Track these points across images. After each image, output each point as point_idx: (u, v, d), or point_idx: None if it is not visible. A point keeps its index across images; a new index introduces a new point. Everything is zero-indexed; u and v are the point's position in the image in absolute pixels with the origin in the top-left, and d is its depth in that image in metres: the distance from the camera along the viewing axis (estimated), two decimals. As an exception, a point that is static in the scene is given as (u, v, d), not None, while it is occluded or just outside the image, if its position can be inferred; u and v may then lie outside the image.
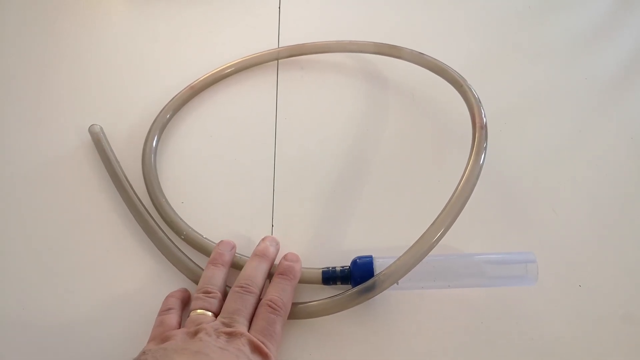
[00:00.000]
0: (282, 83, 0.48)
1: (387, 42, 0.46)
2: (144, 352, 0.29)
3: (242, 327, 0.31)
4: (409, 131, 0.44)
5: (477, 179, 0.34)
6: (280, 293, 0.33)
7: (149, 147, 0.42)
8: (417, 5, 0.53)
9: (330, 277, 0.35)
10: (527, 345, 0.34)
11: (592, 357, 0.33)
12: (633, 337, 0.34)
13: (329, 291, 0.36)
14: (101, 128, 0.43)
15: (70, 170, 0.43)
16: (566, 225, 0.39)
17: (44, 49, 0.50)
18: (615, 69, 0.48)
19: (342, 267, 0.35)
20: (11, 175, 0.43)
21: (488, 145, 0.36)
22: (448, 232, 0.32)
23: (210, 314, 0.32)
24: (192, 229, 0.39)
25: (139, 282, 0.37)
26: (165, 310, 0.34)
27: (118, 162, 0.42)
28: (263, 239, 0.37)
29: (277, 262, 0.36)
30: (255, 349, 0.30)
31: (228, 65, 0.48)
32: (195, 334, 0.30)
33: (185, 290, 0.36)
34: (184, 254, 0.38)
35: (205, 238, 0.38)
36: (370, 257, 0.35)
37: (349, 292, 0.33)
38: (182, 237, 0.38)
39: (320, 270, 0.36)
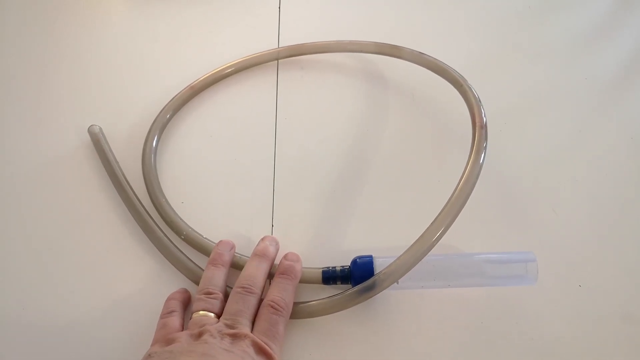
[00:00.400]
0: (282, 83, 0.48)
1: (387, 42, 0.46)
2: (149, 355, 0.29)
3: (245, 328, 0.31)
4: (409, 131, 0.44)
5: (477, 178, 0.34)
6: (282, 293, 0.33)
7: (148, 147, 0.42)
8: (417, 5, 0.53)
9: (330, 277, 0.35)
10: (527, 345, 0.34)
11: (592, 357, 0.33)
12: (633, 337, 0.34)
13: (329, 291, 0.36)
14: (100, 128, 0.43)
15: (70, 171, 0.43)
16: (566, 225, 0.39)
17: (44, 49, 0.50)
18: (615, 69, 0.48)
19: (342, 266, 0.35)
20: (11, 176, 0.43)
21: (488, 145, 0.36)
22: (448, 232, 0.32)
23: (212, 315, 0.32)
24: (192, 229, 0.39)
25: (138, 282, 0.37)
26: (167, 312, 0.34)
27: (117, 162, 0.42)
28: (262, 239, 0.37)
29: (277, 261, 0.36)
30: (260, 350, 0.30)
31: (228, 65, 0.48)
32: (199, 335, 0.30)
33: (186, 291, 0.36)
34: (184, 254, 0.38)
35: (205, 238, 0.38)
36: (370, 256, 0.35)
37: (349, 291, 0.33)
38: (182, 237, 0.38)
39: (321, 270, 0.36)
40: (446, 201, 0.33)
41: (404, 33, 0.50)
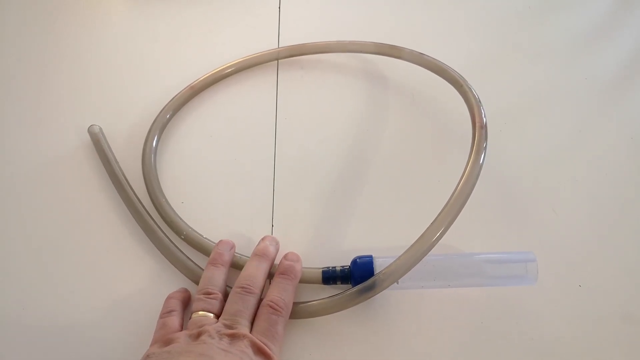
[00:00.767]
0: (282, 83, 0.48)
1: (387, 42, 0.46)
2: (148, 356, 0.29)
3: (244, 328, 0.31)
4: (409, 131, 0.44)
5: (476, 178, 0.34)
6: (282, 293, 0.33)
7: (148, 147, 0.42)
8: (417, 5, 0.53)
9: (330, 277, 0.35)
10: (527, 345, 0.34)
11: (592, 357, 0.33)
12: (633, 337, 0.34)
13: (329, 291, 0.36)
14: (100, 128, 0.43)
15: (70, 171, 0.43)
16: (566, 225, 0.39)
17: (44, 49, 0.50)
18: (615, 69, 0.48)
19: (342, 266, 0.35)
20: (11, 175, 0.43)
21: (488, 145, 0.36)
22: (448, 232, 0.32)
23: (211, 315, 0.32)
24: (191, 228, 0.39)
25: (138, 282, 0.37)
26: (166, 312, 0.34)
27: (117, 162, 0.42)
28: (263, 239, 0.37)
29: (277, 261, 0.36)
30: (258, 350, 0.30)
31: (228, 65, 0.48)
32: (198, 336, 0.30)
33: (186, 291, 0.36)
34: (184, 254, 0.38)
35: (205, 238, 0.38)
36: (370, 256, 0.35)
37: (349, 291, 0.33)
38: (182, 237, 0.38)
39: (321, 270, 0.36)
40: (446, 201, 0.33)
41: (404, 33, 0.50)
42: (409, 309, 0.35)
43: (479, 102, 0.39)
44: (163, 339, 0.31)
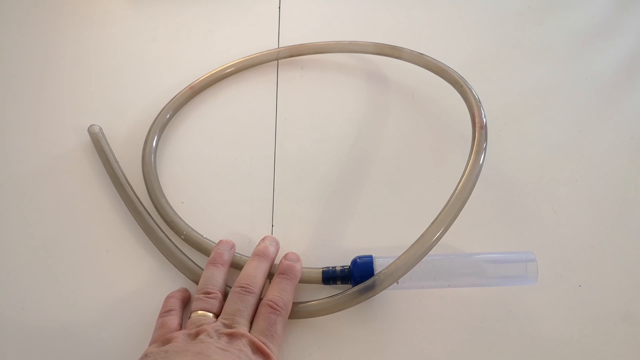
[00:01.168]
0: (282, 83, 0.48)
1: (387, 42, 0.46)
2: (145, 355, 0.29)
3: (243, 327, 0.31)
4: (409, 131, 0.44)
5: (476, 179, 0.34)
6: (281, 293, 0.33)
7: (149, 147, 0.42)
8: (417, 4, 0.53)
9: (330, 277, 0.35)
10: (527, 345, 0.34)
11: (592, 357, 0.33)
12: (633, 337, 0.34)
13: (329, 291, 0.36)
14: (100, 128, 0.44)
15: (70, 171, 0.43)
16: (566, 225, 0.39)
17: (44, 48, 0.50)
18: (615, 69, 0.48)
19: (342, 266, 0.35)
20: (11, 175, 0.43)
21: (488, 145, 0.36)
22: (448, 232, 0.32)
23: (211, 315, 0.32)
24: (191, 228, 0.39)
25: (139, 282, 0.37)
26: (165, 311, 0.34)
27: (117, 162, 0.42)
28: (263, 239, 0.37)
29: (277, 262, 0.36)
30: (257, 349, 0.30)
31: (228, 65, 0.48)
32: (196, 335, 0.30)
33: (186, 290, 0.36)
34: (184, 253, 0.38)
35: (205, 238, 0.38)
36: (370, 256, 0.35)
37: (349, 291, 0.33)
38: (182, 237, 0.38)
39: (321, 270, 0.36)
40: (446, 201, 0.33)
41: (404, 32, 0.50)
42: (409, 309, 0.35)
43: (479, 102, 0.39)
44: (161, 339, 0.31)
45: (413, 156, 0.43)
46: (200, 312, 0.32)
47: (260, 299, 0.34)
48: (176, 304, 0.35)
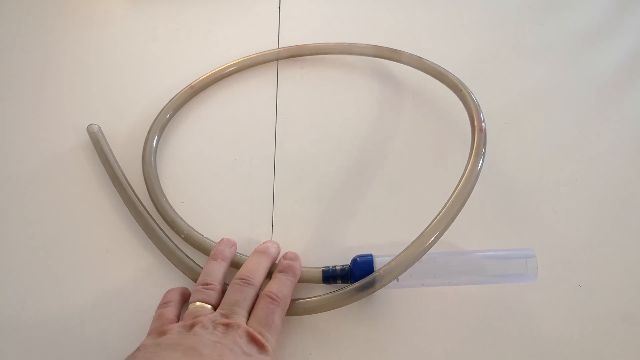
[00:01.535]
0: (282, 83, 0.48)
1: (387, 42, 0.46)
2: (138, 348, 0.29)
3: (240, 318, 0.31)
4: (409, 130, 0.44)
5: (475, 181, 0.35)
6: (280, 286, 0.33)
7: (149, 146, 0.42)
8: (417, 4, 0.53)
9: (330, 276, 0.35)
10: (527, 344, 0.34)
11: (592, 357, 0.33)
12: (633, 337, 0.34)
13: (330, 290, 0.36)
14: (99, 127, 0.44)
15: (70, 170, 0.43)
16: (566, 225, 0.39)
17: (44, 48, 0.50)
18: (615, 69, 0.48)
19: (343, 265, 0.36)
20: (11, 176, 0.43)
21: (488, 145, 0.36)
22: (449, 231, 0.33)
23: (209, 306, 0.32)
24: (192, 228, 0.39)
25: (139, 281, 0.37)
26: (164, 303, 0.34)
27: (116, 161, 0.42)
28: (264, 242, 0.37)
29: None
30: (252, 339, 0.29)
31: (228, 65, 0.48)
32: (191, 327, 0.30)
33: (186, 289, 0.36)
34: (184, 253, 0.38)
35: (206, 238, 0.38)
36: (370, 255, 0.35)
37: (349, 287, 0.33)
38: (182, 236, 0.38)
39: (321, 269, 0.36)
40: (445, 202, 0.33)
41: (404, 32, 0.50)
42: (409, 308, 0.35)
43: (478, 106, 0.39)
44: (158, 330, 0.30)
45: (413, 156, 0.43)
46: (198, 303, 0.32)
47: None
48: (175, 296, 0.34)
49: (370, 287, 0.33)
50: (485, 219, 0.39)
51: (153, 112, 0.45)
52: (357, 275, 0.34)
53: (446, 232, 0.33)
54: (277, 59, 0.49)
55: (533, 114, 0.45)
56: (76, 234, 0.39)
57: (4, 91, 0.48)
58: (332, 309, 0.34)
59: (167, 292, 0.35)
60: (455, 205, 0.33)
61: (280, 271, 0.35)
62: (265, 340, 0.30)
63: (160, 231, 0.38)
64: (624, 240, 0.38)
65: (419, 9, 0.53)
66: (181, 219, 0.39)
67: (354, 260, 0.35)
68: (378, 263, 0.34)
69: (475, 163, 0.35)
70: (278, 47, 0.50)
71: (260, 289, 0.34)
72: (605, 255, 0.37)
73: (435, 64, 0.43)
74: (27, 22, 0.52)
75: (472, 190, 0.34)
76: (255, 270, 0.34)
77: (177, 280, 0.37)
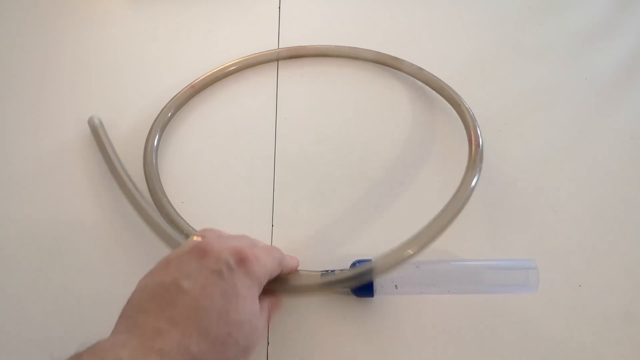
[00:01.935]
0: (282, 83, 0.48)
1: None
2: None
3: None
4: (409, 131, 0.44)
5: (469, 195, 0.35)
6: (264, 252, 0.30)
7: (150, 146, 0.42)
8: (418, 5, 0.53)
9: None
10: (527, 345, 0.34)
11: (592, 357, 0.33)
12: (633, 337, 0.34)
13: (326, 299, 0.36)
14: (100, 121, 0.44)
15: (71, 170, 0.43)
16: (566, 226, 0.39)
17: (44, 48, 0.50)
18: (615, 69, 0.48)
19: (342, 270, 0.34)
20: (12, 175, 0.42)
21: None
22: (448, 232, 0.33)
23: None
24: (192, 228, 0.39)
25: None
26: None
27: (116, 154, 0.42)
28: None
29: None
30: (238, 254, 0.27)
31: (228, 64, 0.48)
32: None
33: None
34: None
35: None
36: (370, 260, 0.34)
37: (345, 273, 0.32)
38: (183, 236, 0.38)
39: (320, 273, 0.35)
40: (445, 204, 0.33)
41: (404, 33, 0.50)
42: (408, 314, 0.35)
43: (475, 122, 0.40)
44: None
45: (413, 156, 0.43)
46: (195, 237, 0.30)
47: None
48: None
49: (366, 275, 0.32)
50: (485, 219, 0.39)
51: (153, 111, 0.45)
52: None
53: (445, 232, 0.33)
54: (278, 59, 0.49)
55: (533, 114, 0.45)
56: (79, 231, 0.39)
57: (4, 91, 0.48)
58: (323, 292, 0.33)
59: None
60: (446, 217, 0.34)
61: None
62: (251, 253, 0.27)
63: (165, 225, 0.38)
64: (624, 240, 0.38)
65: (419, 9, 0.53)
66: (182, 219, 0.39)
67: (354, 265, 0.35)
68: None
69: (471, 177, 0.36)
70: (278, 48, 0.50)
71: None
72: (605, 255, 0.37)
73: (435, 77, 0.43)
74: (27, 22, 0.52)
75: (466, 203, 0.35)
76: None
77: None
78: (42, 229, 0.40)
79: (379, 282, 0.33)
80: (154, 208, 0.39)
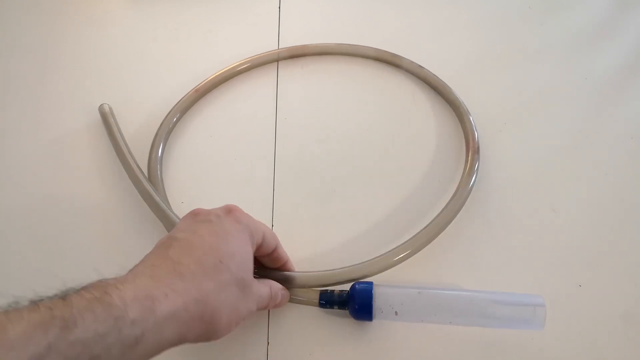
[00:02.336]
0: (282, 83, 0.48)
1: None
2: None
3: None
4: (409, 132, 0.44)
5: (465, 199, 0.36)
6: None
7: (155, 151, 0.42)
8: (418, 5, 0.53)
9: (327, 301, 0.33)
10: (527, 345, 0.34)
11: (592, 357, 0.33)
12: (633, 337, 0.34)
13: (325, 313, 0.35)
14: (110, 107, 0.44)
15: (70, 168, 0.43)
16: (566, 225, 0.39)
17: (44, 48, 0.50)
18: (615, 69, 0.48)
19: (341, 291, 0.34)
20: (11, 176, 0.43)
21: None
22: (448, 230, 0.32)
23: None
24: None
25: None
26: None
27: (126, 143, 0.42)
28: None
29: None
30: (227, 207, 0.29)
31: (229, 67, 0.48)
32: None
33: None
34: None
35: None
36: (371, 284, 0.33)
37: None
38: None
39: (318, 291, 0.34)
40: (446, 202, 0.33)
41: (404, 33, 0.50)
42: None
43: (473, 126, 0.41)
44: None
45: (414, 156, 0.43)
46: None
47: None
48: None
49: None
50: (485, 219, 0.39)
51: (153, 112, 0.45)
52: (356, 302, 0.32)
53: (445, 231, 0.33)
54: (278, 60, 0.49)
55: (533, 114, 0.45)
56: (79, 232, 0.39)
57: (4, 91, 0.48)
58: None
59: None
60: (439, 225, 0.34)
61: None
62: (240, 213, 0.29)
63: (176, 218, 0.38)
64: (624, 240, 0.38)
65: (419, 9, 0.53)
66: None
67: (353, 287, 0.33)
68: (378, 292, 0.32)
69: (467, 183, 0.37)
70: (278, 47, 0.50)
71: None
72: (605, 255, 0.37)
73: (436, 76, 0.43)
74: (27, 22, 0.52)
75: (461, 207, 0.35)
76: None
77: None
78: (47, 226, 0.40)
79: (378, 307, 0.32)
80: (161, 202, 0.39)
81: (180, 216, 0.39)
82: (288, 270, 0.34)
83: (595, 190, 0.41)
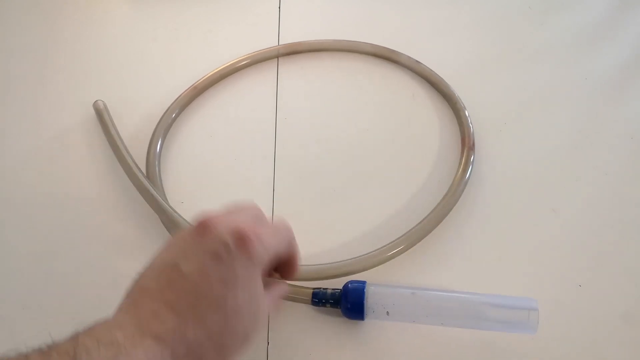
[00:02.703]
0: (282, 83, 0.48)
1: (387, 42, 0.46)
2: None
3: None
4: (409, 131, 0.44)
5: (460, 194, 0.36)
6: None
7: (153, 148, 0.42)
8: (418, 4, 0.53)
9: (320, 299, 0.34)
10: (527, 345, 0.34)
11: (592, 357, 0.33)
12: (633, 337, 0.34)
13: (317, 311, 0.35)
14: (104, 104, 0.44)
15: (71, 166, 0.43)
16: (566, 225, 0.39)
17: (44, 49, 0.50)
18: (615, 69, 0.48)
19: (334, 289, 0.34)
20: (11, 176, 0.43)
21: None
22: (448, 230, 0.32)
23: None
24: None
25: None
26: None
27: (121, 139, 0.42)
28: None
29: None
30: (238, 234, 0.25)
31: (228, 64, 0.48)
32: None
33: None
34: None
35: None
36: (364, 283, 0.33)
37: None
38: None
39: (311, 291, 0.34)
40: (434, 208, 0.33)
41: (404, 33, 0.50)
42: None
43: (469, 122, 0.41)
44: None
45: (414, 155, 0.43)
46: None
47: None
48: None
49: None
50: (485, 219, 0.39)
51: (153, 112, 0.45)
52: (347, 300, 0.33)
53: (441, 227, 0.32)
54: (278, 56, 0.49)
55: (533, 114, 0.45)
56: (79, 231, 0.39)
57: (4, 92, 0.48)
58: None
59: None
60: (433, 220, 0.35)
61: None
62: (252, 233, 0.25)
63: (173, 212, 0.38)
64: (624, 240, 0.38)
65: (419, 9, 0.53)
66: (183, 219, 0.39)
67: (346, 286, 0.34)
68: (370, 292, 0.32)
69: (462, 178, 0.37)
70: (278, 45, 0.50)
71: None
72: (605, 255, 0.37)
73: (433, 71, 0.43)
74: (27, 22, 0.52)
75: (456, 202, 0.35)
76: None
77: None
78: (45, 227, 0.40)
79: (370, 307, 0.32)
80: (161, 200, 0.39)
81: (181, 216, 0.39)
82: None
83: (595, 190, 0.41)
